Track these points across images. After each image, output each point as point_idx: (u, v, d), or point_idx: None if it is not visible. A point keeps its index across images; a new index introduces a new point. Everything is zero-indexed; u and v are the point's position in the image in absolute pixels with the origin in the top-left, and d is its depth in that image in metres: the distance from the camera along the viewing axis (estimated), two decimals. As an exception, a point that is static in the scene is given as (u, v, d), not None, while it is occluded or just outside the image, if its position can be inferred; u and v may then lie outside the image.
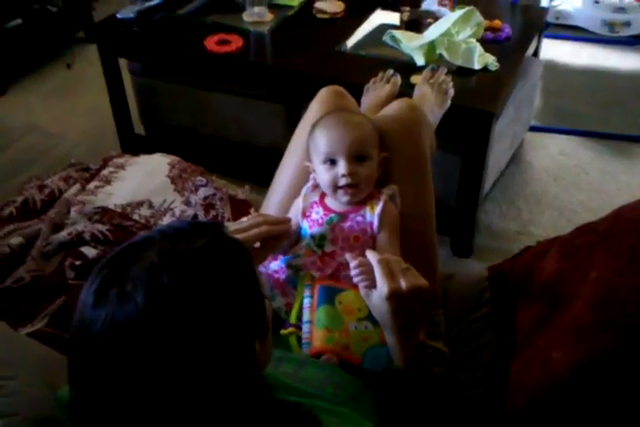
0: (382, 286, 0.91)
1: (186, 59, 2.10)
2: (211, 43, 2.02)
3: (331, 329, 1.00)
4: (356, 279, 0.95)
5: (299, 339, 1.03)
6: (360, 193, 1.13)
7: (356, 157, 1.11)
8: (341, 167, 1.10)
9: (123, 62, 2.31)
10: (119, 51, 2.25)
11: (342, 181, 1.11)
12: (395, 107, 1.28)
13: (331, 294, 1.03)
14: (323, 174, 1.13)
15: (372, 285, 0.93)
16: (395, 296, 0.91)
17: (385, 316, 0.93)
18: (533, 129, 2.60)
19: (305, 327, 1.03)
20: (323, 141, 1.13)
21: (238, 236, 1.02)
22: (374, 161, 1.14)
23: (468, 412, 1.18)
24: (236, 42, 2.03)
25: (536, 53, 2.40)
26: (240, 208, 1.53)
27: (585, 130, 2.64)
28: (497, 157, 2.10)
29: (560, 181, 2.45)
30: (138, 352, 0.64)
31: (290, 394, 0.83)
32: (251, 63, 2.03)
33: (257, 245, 1.07)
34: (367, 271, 0.93)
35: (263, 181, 1.48)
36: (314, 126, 1.17)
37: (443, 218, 1.39)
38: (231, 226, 1.05)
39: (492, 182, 2.27)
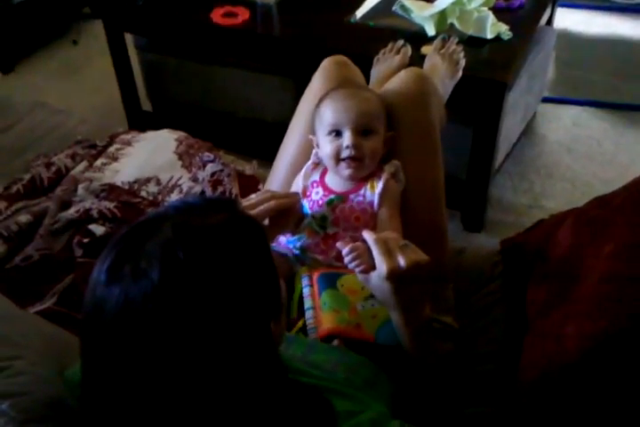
0: (381, 266, 0.88)
1: (192, 32, 2.07)
2: (217, 15, 1.99)
3: (339, 310, 0.99)
4: (350, 265, 0.91)
5: (303, 331, 1.01)
6: (363, 168, 1.10)
7: (362, 131, 1.09)
8: (346, 138, 1.08)
9: (129, 38, 2.28)
10: (124, 25, 2.22)
11: (346, 153, 1.08)
12: (402, 78, 1.24)
13: (331, 278, 1.02)
14: (326, 145, 1.11)
15: (368, 268, 0.90)
16: (394, 275, 0.88)
17: (387, 296, 0.91)
18: (546, 100, 2.55)
19: (308, 314, 1.01)
20: (329, 112, 1.11)
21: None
22: (380, 136, 1.11)
23: (479, 387, 1.17)
24: (243, 14, 1.99)
25: (549, 22, 2.34)
26: (248, 184, 1.51)
27: (599, 100, 2.59)
28: (509, 129, 2.07)
29: (573, 153, 2.41)
30: (153, 331, 0.63)
31: (300, 377, 0.82)
32: (258, 35, 1.99)
33: (266, 222, 1.06)
34: (361, 254, 0.90)
35: (271, 156, 1.46)
36: (321, 100, 1.15)
37: (453, 192, 1.37)
38: (241, 203, 1.04)
39: (504, 155, 2.23)
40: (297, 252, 1.12)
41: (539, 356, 0.99)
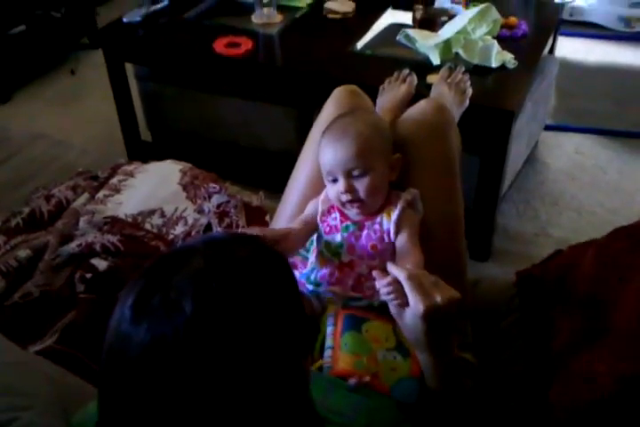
0: (417, 304, 0.84)
1: (194, 62, 2.05)
2: (219, 45, 1.97)
3: (359, 354, 0.94)
4: (386, 297, 0.87)
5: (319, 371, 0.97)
6: (368, 206, 1.07)
7: (354, 173, 1.06)
8: (340, 185, 1.06)
9: (129, 67, 2.26)
10: (125, 55, 2.20)
11: (344, 198, 1.06)
12: (422, 108, 1.21)
13: (356, 321, 0.97)
14: (329, 190, 1.10)
15: (404, 303, 0.86)
16: (431, 313, 0.84)
17: (419, 335, 0.87)
18: (548, 128, 2.54)
19: (327, 353, 0.97)
20: (323, 159, 1.09)
21: None
22: (378, 171, 1.07)
23: (501, 425, 1.12)
24: (245, 44, 1.98)
25: (552, 51, 2.35)
26: (255, 215, 1.48)
27: (601, 128, 2.58)
28: (514, 157, 2.05)
29: (577, 181, 2.39)
30: (183, 369, 0.58)
31: None
32: (261, 65, 1.98)
33: None
34: (399, 289, 0.86)
35: (275, 186, 1.43)
36: (322, 136, 1.12)
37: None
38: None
39: (509, 183, 2.21)
40: (311, 287, 1.08)
41: (569, 397, 0.94)
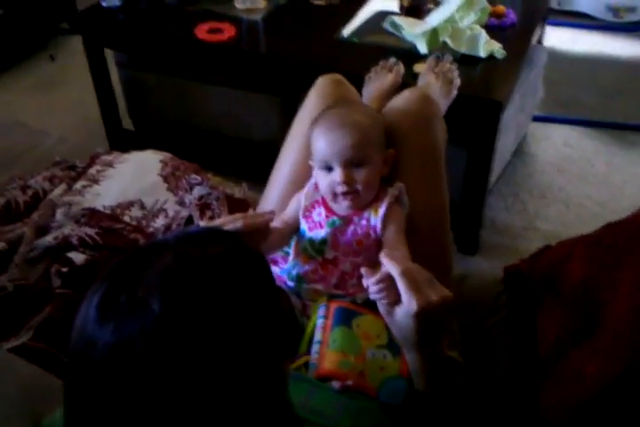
0: (410, 302, 0.80)
1: (175, 49, 2.00)
2: (201, 31, 1.92)
3: (346, 353, 0.91)
4: (375, 296, 0.83)
5: (305, 366, 0.94)
6: (361, 199, 1.04)
7: (353, 163, 1.02)
8: (337, 174, 1.02)
9: (109, 54, 2.20)
10: (104, 41, 2.14)
11: (339, 189, 1.02)
12: (406, 98, 1.18)
13: (348, 315, 0.93)
14: (320, 180, 1.06)
15: (394, 301, 0.82)
16: (424, 312, 0.81)
17: (409, 334, 0.83)
18: (536, 119, 2.52)
19: (314, 348, 0.93)
20: (318, 147, 1.05)
21: None
22: (375, 164, 1.04)
23: (485, 424, 1.10)
24: (229, 30, 1.93)
25: (540, 40, 2.31)
26: (238, 208, 1.43)
27: (589, 119, 2.56)
28: (502, 149, 2.02)
29: (565, 174, 2.37)
30: (151, 370, 0.55)
31: None
32: (244, 52, 1.93)
33: None
34: (389, 286, 0.82)
35: (259, 177, 1.39)
36: (313, 124, 1.08)
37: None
38: (204, 224, 0.97)
39: (497, 176, 2.19)
40: (291, 284, 1.05)
41: (558, 397, 0.92)
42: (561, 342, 1.00)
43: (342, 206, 1.04)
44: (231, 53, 1.93)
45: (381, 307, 0.84)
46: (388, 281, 0.82)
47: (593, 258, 1.05)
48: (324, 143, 1.03)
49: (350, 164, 1.01)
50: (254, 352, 0.60)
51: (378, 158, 1.05)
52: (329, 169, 1.03)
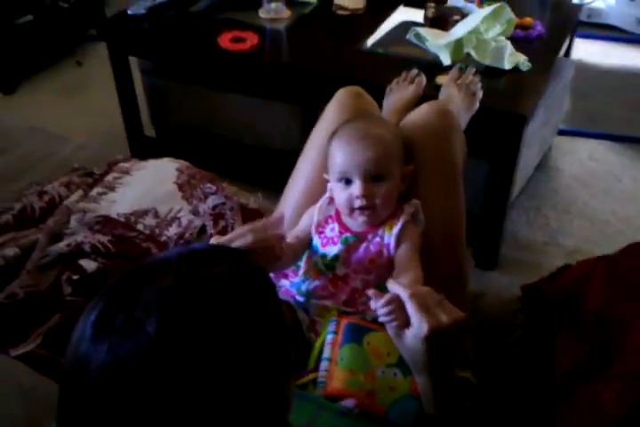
0: (421, 325, 0.78)
1: (198, 57, 2.00)
2: (225, 40, 1.92)
3: (355, 371, 0.88)
4: (384, 319, 0.81)
5: (313, 383, 0.91)
6: (378, 215, 1.01)
7: (373, 177, 1.00)
8: (356, 188, 0.99)
9: (133, 61, 2.21)
10: (129, 49, 2.15)
11: (357, 203, 0.99)
12: (424, 112, 1.15)
13: (359, 332, 0.90)
14: (338, 193, 1.02)
15: (404, 324, 0.80)
16: (435, 334, 0.78)
17: (419, 357, 0.81)
18: (562, 133, 2.47)
19: (323, 365, 0.91)
20: (337, 158, 1.02)
21: None
22: (395, 179, 1.02)
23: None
24: (252, 39, 1.93)
25: (567, 53, 2.27)
26: (251, 218, 1.42)
27: (616, 134, 2.51)
28: (525, 162, 1.98)
29: (590, 189, 2.32)
30: (144, 395, 0.53)
31: None
32: (266, 62, 1.92)
33: None
34: (397, 309, 0.79)
35: (277, 186, 1.38)
36: (331, 138, 1.06)
37: (466, 227, 1.27)
38: (216, 238, 0.94)
39: (519, 189, 2.14)
40: (301, 299, 1.03)
41: (575, 425, 0.88)
42: (579, 367, 0.96)
43: (358, 222, 1.01)
44: (253, 62, 1.92)
45: (390, 330, 0.82)
46: (397, 303, 0.80)
47: (614, 279, 1.01)
48: (345, 155, 1.01)
49: (370, 177, 0.99)
50: (253, 377, 0.58)
51: (397, 173, 1.03)
52: (347, 182, 1.01)
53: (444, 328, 0.78)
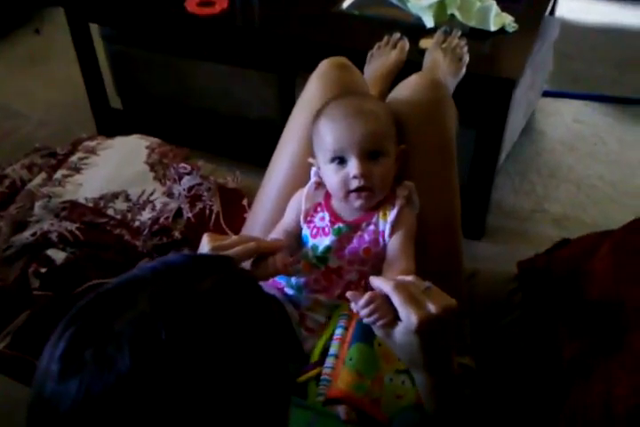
0: (409, 317, 0.72)
1: (164, 22, 1.87)
2: (192, 4, 1.81)
3: (362, 374, 0.82)
4: (368, 320, 0.74)
5: (316, 379, 0.85)
6: (375, 197, 0.93)
7: (370, 154, 0.91)
8: (352, 167, 0.90)
9: (95, 28, 2.07)
10: (89, 15, 2.01)
11: (354, 184, 0.90)
12: (414, 85, 1.06)
13: (370, 331, 0.83)
14: (330, 176, 0.93)
15: (391, 321, 0.73)
16: (426, 325, 0.72)
17: (414, 353, 0.75)
18: (546, 94, 2.39)
19: (329, 361, 0.85)
20: (328, 136, 0.92)
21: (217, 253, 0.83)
22: (391, 157, 0.94)
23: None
24: (221, 2, 1.81)
25: (552, 12, 2.18)
26: (231, 199, 1.33)
27: (601, 94, 2.44)
28: (512, 128, 1.91)
29: (575, 152, 2.26)
30: None
31: None
32: (237, 27, 1.80)
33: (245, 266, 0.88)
34: (381, 305, 0.73)
35: (256, 159, 1.30)
36: (317, 115, 0.97)
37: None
38: (211, 241, 0.86)
39: (505, 155, 2.08)
40: (291, 291, 0.95)
41: (583, 420, 0.83)
42: (585, 354, 0.91)
43: (353, 206, 0.92)
44: (223, 28, 1.81)
45: (377, 331, 0.76)
46: (380, 300, 0.74)
47: (622, 259, 0.96)
48: (337, 131, 0.92)
49: (367, 155, 0.91)
50: (243, 414, 0.51)
51: (393, 152, 0.95)
52: (341, 162, 0.92)
53: (434, 318, 0.72)
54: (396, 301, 0.73)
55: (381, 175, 0.91)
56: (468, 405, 0.93)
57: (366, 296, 0.74)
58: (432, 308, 0.73)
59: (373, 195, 0.91)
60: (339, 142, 0.91)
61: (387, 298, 0.74)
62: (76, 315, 0.51)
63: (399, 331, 0.74)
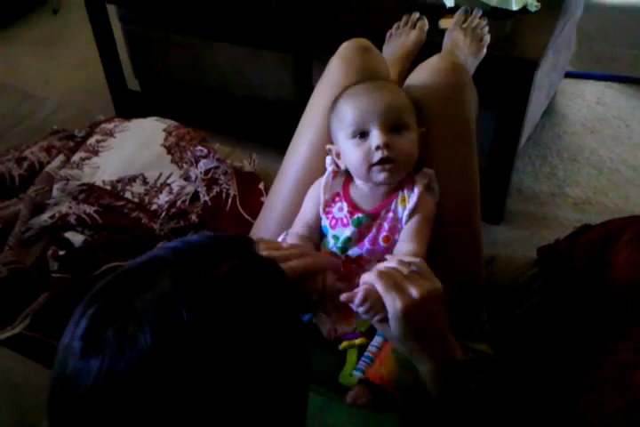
0: (394, 304, 0.72)
1: (181, 2, 1.85)
2: (208, -16, 1.78)
3: (407, 370, 0.82)
4: (366, 317, 0.75)
5: (360, 352, 0.85)
6: (399, 171, 0.91)
7: (392, 127, 0.90)
8: (375, 138, 0.88)
9: (112, 8, 2.06)
10: (105, -5, 2.00)
11: (377, 156, 0.88)
12: (434, 68, 1.03)
13: None
14: (352, 153, 0.91)
15: (386, 316, 0.74)
16: (411, 310, 0.72)
17: (410, 342, 0.75)
18: (568, 75, 2.35)
19: (377, 340, 0.85)
20: (349, 110, 0.91)
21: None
22: (414, 132, 0.93)
23: (519, 422, 1.01)
24: (237, -17, 1.78)
25: (576, -10, 2.12)
26: (247, 183, 1.33)
27: (625, 75, 2.39)
28: (533, 110, 1.88)
29: (598, 135, 2.22)
30: (144, 415, 0.47)
31: None
32: (254, 6, 1.78)
33: None
34: (376, 301, 0.74)
35: (272, 141, 1.29)
36: (337, 100, 0.95)
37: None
38: (263, 247, 0.85)
39: (526, 138, 2.05)
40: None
41: (603, 408, 0.82)
42: (605, 342, 0.90)
43: (377, 180, 0.90)
44: (240, 7, 1.78)
45: (377, 326, 0.77)
46: (374, 296, 0.74)
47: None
48: (359, 106, 0.91)
49: (389, 127, 0.90)
50: (264, 400, 0.51)
51: (415, 127, 0.94)
52: (362, 136, 0.90)
53: (418, 303, 0.72)
54: (380, 289, 0.74)
55: (405, 148, 0.89)
56: (481, 391, 0.93)
57: (359, 295, 0.75)
58: (414, 293, 0.73)
59: (397, 168, 0.90)
60: (360, 114, 0.89)
61: (378, 295, 0.74)
62: (97, 294, 0.51)
63: (391, 323, 0.74)
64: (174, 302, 0.48)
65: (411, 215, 0.90)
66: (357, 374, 0.83)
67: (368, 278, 0.76)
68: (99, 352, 0.48)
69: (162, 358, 0.47)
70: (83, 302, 0.52)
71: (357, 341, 0.87)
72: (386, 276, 0.74)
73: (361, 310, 0.75)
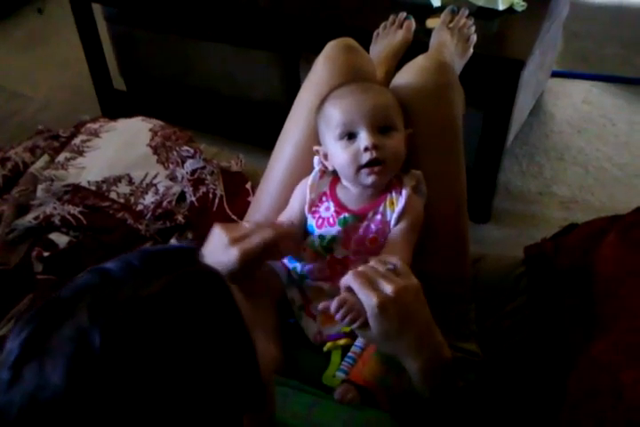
0: (369, 303, 0.73)
1: (167, 2, 1.84)
2: (194, -17, 1.77)
3: (389, 369, 0.82)
4: (345, 322, 0.75)
5: (345, 352, 0.85)
6: (387, 173, 0.91)
7: (380, 129, 0.90)
8: (363, 139, 0.88)
9: (97, 8, 2.04)
10: (91, -6, 1.98)
11: (366, 157, 0.88)
12: (420, 68, 1.03)
13: None
14: (340, 155, 0.91)
15: (365, 321, 0.75)
16: (387, 306, 0.72)
17: (393, 341, 0.76)
18: (554, 75, 2.36)
19: (360, 341, 0.85)
20: (337, 112, 0.91)
21: (238, 245, 0.82)
22: (402, 134, 0.93)
23: (506, 421, 1.01)
24: (224, -18, 1.77)
25: (562, -11, 2.13)
26: (234, 183, 1.32)
27: (610, 75, 2.40)
28: (520, 109, 1.88)
29: (584, 134, 2.23)
30: None
31: None
32: (241, 5, 1.77)
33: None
34: (353, 306, 0.74)
35: (260, 140, 1.28)
36: (323, 101, 0.95)
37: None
38: (228, 232, 0.85)
39: (512, 137, 2.05)
40: (296, 276, 0.95)
41: (591, 408, 0.83)
42: (592, 344, 0.90)
43: (365, 183, 0.90)
44: (227, 7, 1.78)
45: (358, 332, 0.77)
46: (351, 301, 0.75)
47: (629, 247, 0.94)
48: (347, 107, 0.91)
49: (377, 128, 0.90)
50: (193, 416, 0.49)
51: (402, 128, 0.94)
52: (350, 138, 0.90)
53: (393, 299, 0.73)
54: (355, 287, 0.74)
55: (393, 149, 0.89)
56: (470, 390, 0.93)
57: (335, 302, 0.75)
58: (388, 290, 0.73)
59: (385, 170, 0.90)
60: (348, 116, 0.89)
61: (355, 299, 0.75)
62: (26, 321, 0.50)
63: (369, 319, 0.74)
64: (88, 336, 0.47)
65: (399, 218, 0.90)
66: (340, 374, 0.83)
67: (346, 279, 0.76)
68: (21, 385, 0.47)
69: (74, 396, 0.46)
70: (19, 323, 0.51)
71: (341, 341, 0.88)
72: (360, 275, 0.75)
73: (338, 317, 0.75)
